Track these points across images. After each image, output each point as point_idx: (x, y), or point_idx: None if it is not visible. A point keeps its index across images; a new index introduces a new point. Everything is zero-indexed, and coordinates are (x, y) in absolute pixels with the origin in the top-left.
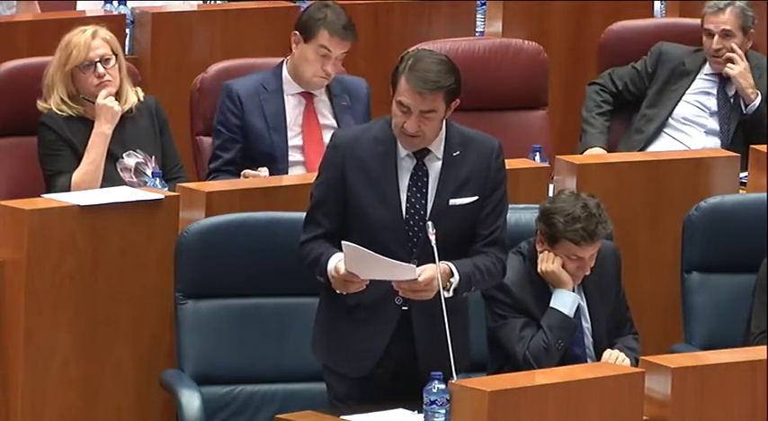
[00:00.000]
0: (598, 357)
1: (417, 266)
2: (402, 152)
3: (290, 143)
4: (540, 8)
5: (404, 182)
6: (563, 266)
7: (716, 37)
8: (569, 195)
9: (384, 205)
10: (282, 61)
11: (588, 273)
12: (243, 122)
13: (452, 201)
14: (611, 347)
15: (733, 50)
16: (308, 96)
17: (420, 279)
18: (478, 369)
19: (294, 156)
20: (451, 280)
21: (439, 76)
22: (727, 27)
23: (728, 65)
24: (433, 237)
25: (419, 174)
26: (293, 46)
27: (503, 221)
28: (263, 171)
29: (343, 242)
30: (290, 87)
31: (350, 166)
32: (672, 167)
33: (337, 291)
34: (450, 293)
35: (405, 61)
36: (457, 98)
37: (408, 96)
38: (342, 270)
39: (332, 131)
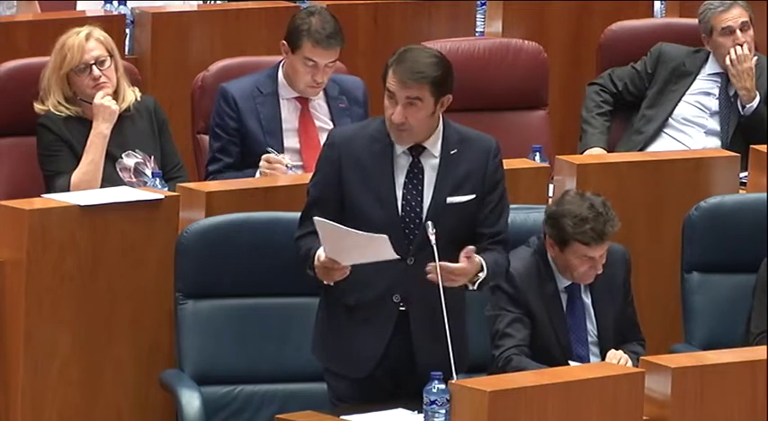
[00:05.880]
0: (603, 359)
1: (414, 263)
2: (398, 150)
3: (288, 147)
4: (540, 8)
5: (400, 180)
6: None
7: (737, 32)
8: (575, 196)
9: (380, 203)
10: (279, 64)
11: (600, 271)
12: (239, 125)
13: (450, 200)
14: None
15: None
16: (303, 100)
17: (455, 266)
18: (478, 369)
19: (292, 160)
20: (479, 274)
21: (424, 67)
22: (745, 19)
23: (732, 60)
24: (432, 237)
25: (415, 172)
26: (284, 55)
27: (505, 220)
28: (285, 157)
29: (315, 218)
30: (285, 91)
31: (346, 164)
32: (672, 167)
33: (324, 282)
34: (475, 287)
35: (396, 53)
36: (448, 94)
37: (394, 84)
38: (322, 257)
39: None
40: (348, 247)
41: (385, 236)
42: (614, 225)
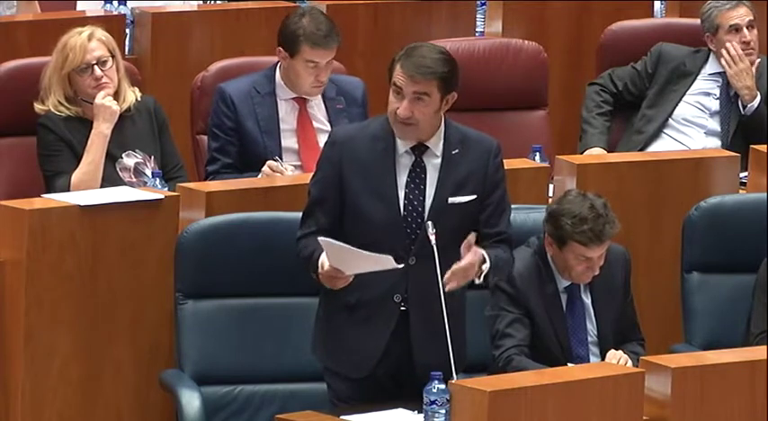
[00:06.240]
0: (602, 359)
1: (415, 263)
2: (400, 149)
3: (286, 147)
4: (540, 8)
5: (402, 179)
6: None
7: (744, 29)
8: (576, 196)
9: (382, 202)
10: (276, 64)
11: (597, 273)
12: (237, 125)
13: (451, 200)
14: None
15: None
16: (301, 101)
17: (464, 263)
18: (478, 369)
19: (290, 160)
20: (483, 266)
21: (433, 63)
22: (751, 17)
23: (727, 61)
24: (432, 237)
25: (417, 171)
26: (281, 61)
27: (507, 220)
28: (289, 168)
29: (319, 238)
30: (282, 92)
31: (347, 164)
32: (672, 167)
33: (327, 286)
34: (481, 280)
35: (404, 49)
36: (453, 90)
37: (401, 79)
38: (326, 265)
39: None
40: (351, 260)
41: (390, 256)
42: (613, 227)
